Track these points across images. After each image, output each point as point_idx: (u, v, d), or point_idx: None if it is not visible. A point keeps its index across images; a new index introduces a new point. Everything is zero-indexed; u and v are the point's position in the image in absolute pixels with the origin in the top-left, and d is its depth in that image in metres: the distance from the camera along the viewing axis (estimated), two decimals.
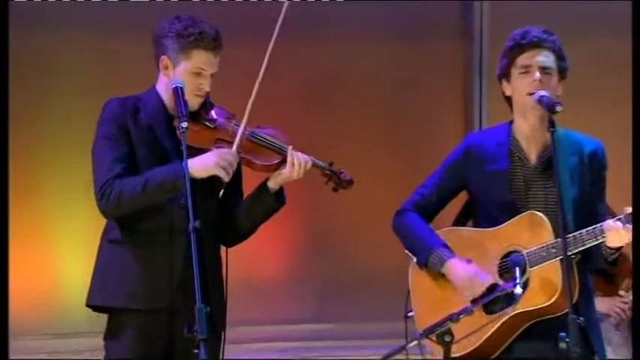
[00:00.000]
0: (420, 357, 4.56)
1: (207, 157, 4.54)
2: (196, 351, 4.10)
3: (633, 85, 5.18)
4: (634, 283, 5.35)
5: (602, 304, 5.77)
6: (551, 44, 4.67)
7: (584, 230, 4.50)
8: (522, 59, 4.65)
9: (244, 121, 4.61)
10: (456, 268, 4.68)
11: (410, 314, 4.78)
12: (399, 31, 6.52)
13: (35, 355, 6.03)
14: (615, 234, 4.47)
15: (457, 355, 4.48)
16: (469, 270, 4.66)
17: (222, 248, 4.79)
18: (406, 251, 4.83)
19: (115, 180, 4.56)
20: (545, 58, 4.65)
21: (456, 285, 4.71)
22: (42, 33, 6.02)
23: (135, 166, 4.65)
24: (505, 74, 4.72)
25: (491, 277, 4.65)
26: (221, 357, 4.73)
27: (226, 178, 4.53)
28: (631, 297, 5.78)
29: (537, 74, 4.60)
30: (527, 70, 4.62)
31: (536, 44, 4.66)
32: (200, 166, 4.50)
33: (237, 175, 4.73)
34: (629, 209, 4.55)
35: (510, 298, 4.49)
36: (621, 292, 5.76)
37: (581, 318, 4.31)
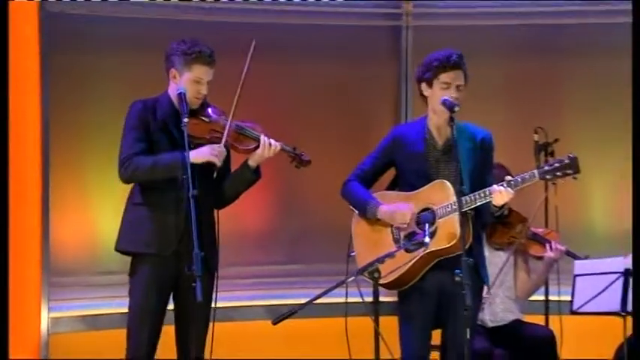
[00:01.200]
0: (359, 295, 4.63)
1: (203, 149, 4.65)
2: (194, 284, 4.27)
3: (633, 85, 5.15)
4: (634, 283, 4.96)
5: (538, 265, 5.82)
6: (463, 67, 4.76)
7: (476, 193, 4.65)
8: (444, 77, 4.73)
9: (230, 116, 4.71)
10: (384, 208, 4.80)
11: (352, 254, 4.87)
12: (348, 51, 6.53)
13: (75, 288, 6.05)
14: (498, 195, 4.62)
15: (385, 282, 4.66)
16: (392, 205, 4.80)
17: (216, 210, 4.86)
18: (351, 207, 4.93)
19: (134, 157, 4.67)
20: (460, 78, 4.76)
21: (386, 219, 4.81)
22: (82, 49, 5.95)
23: (150, 149, 4.74)
24: (427, 82, 4.79)
25: (407, 208, 4.78)
26: (214, 290, 4.75)
27: (218, 164, 4.64)
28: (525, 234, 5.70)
29: (454, 93, 4.72)
30: (447, 86, 4.72)
31: (456, 67, 4.75)
32: (197, 155, 4.61)
33: (226, 158, 4.80)
34: (509, 177, 4.73)
35: (422, 243, 4.61)
36: (516, 235, 5.63)
37: (471, 259, 4.48)
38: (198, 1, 6.32)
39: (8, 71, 4.63)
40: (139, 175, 4.72)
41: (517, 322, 5.72)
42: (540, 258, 5.68)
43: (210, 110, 4.80)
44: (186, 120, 4.60)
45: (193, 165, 4.57)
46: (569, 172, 4.72)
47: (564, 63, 6.70)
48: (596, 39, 6.64)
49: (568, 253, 5.68)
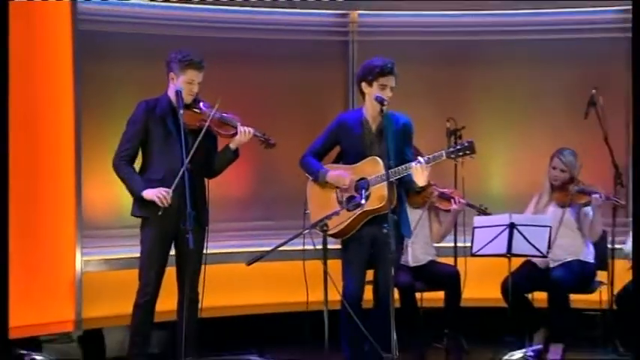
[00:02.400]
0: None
1: (151, 191, 4.62)
2: (188, 236, 4.40)
3: (633, 85, 4.77)
4: (634, 282, 4.64)
5: (447, 217, 5.78)
6: (395, 72, 4.75)
7: (399, 167, 4.68)
8: (382, 80, 4.71)
9: (215, 109, 4.68)
10: (332, 174, 4.82)
11: (307, 212, 4.88)
12: (308, 60, 6.53)
13: (101, 238, 6.04)
14: (414, 170, 4.65)
15: (331, 233, 4.66)
16: (337, 172, 4.82)
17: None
18: (307, 175, 4.94)
19: (121, 160, 4.74)
20: (393, 81, 4.74)
21: (332, 182, 4.81)
22: (108, 61, 6.03)
23: (145, 144, 4.75)
24: (368, 82, 4.76)
25: (348, 175, 4.78)
26: (205, 239, 4.76)
27: (160, 205, 4.56)
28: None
29: (388, 92, 4.72)
30: (384, 87, 4.71)
31: (391, 72, 4.73)
32: (146, 193, 4.63)
33: (213, 140, 4.84)
34: (420, 157, 4.72)
35: (359, 204, 4.68)
36: (427, 195, 5.62)
37: (395, 216, 4.60)
38: (194, 21, 6.29)
39: (8, 71, 4.44)
40: (117, 174, 4.81)
41: (432, 262, 5.77)
42: (448, 210, 5.65)
43: (201, 104, 4.76)
44: (182, 112, 4.66)
45: (187, 148, 4.57)
46: (467, 152, 4.76)
47: (471, 70, 6.69)
48: (498, 51, 6.63)
49: (469, 205, 5.66)
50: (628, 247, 5.52)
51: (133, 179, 4.74)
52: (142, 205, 4.76)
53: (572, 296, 5.57)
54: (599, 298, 5.68)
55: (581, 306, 5.74)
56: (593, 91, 5.66)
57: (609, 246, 5.74)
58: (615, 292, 5.57)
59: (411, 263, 5.75)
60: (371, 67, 4.80)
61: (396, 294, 5.23)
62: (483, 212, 5.60)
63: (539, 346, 5.25)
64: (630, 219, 5.79)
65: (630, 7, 6.09)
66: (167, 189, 4.57)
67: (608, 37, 6.55)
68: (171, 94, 4.78)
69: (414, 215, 5.57)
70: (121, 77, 5.99)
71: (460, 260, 5.74)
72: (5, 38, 4.36)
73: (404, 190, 4.90)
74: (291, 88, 6.48)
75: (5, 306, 4.12)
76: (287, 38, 6.47)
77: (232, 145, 4.83)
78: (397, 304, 5.19)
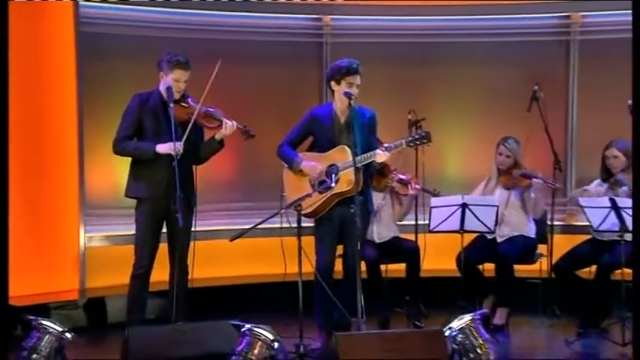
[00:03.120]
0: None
1: (167, 145, 4.58)
2: (177, 215, 4.43)
3: (633, 85, 4.23)
4: (634, 281, 4.20)
5: (406, 199, 5.70)
6: (360, 71, 4.74)
7: (364, 155, 4.67)
8: (349, 79, 4.72)
9: (200, 103, 4.64)
10: (305, 164, 4.81)
11: (283, 195, 4.88)
12: (286, 60, 6.45)
13: (102, 217, 5.95)
14: (379, 155, 4.69)
15: (305, 213, 4.67)
16: (310, 163, 4.81)
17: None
18: (282, 162, 4.93)
19: (122, 140, 4.71)
20: (358, 80, 4.74)
21: (305, 171, 4.81)
22: (107, 59, 5.95)
23: (139, 129, 4.71)
24: (336, 81, 4.77)
25: (319, 165, 4.77)
26: (194, 218, 4.76)
27: (175, 155, 4.49)
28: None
29: (355, 90, 4.74)
30: (351, 85, 4.71)
31: (356, 72, 4.73)
32: (161, 148, 4.61)
33: (200, 131, 4.82)
34: (383, 145, 4.75)
35: (329, 187, 4.74)
36: (388, 181, 5.55)
37: (362, 197, 4.64)
38: (184, 24, 6.21)
39: (8, 70, 4.24)
40: (123, 153, 4.77)
41: (395, 238, 5.75)
42: (406, 194, 5.64)
43: (189, 99, 4.72)
44: (172, 105, 4.64)
45: (177, 138, 4.55)
46: (424, 141, 4.81)
47: (431, 68, 6.65)
48: (454, 52, 6.59)
49: (423, 189, 5.65)
50: (575, 196, 5.56)
51: (140, 145, 4.69)
52: (134, 187, 4.78)
53: (517, 267, 5.60)
54: (539, 268, 5.71)
55: (524, 275, 5.77)
56: (535, 87, 5.67)
57: (549, 223, 5.77)
58: (553, 262, 5.58)
59: (377, 239, 5.71)
60: (339, 68, 4.79)
61: (363, 266, 5.21)
62: (436, 195, 5.55)
63: (486, 310, 5.27)
64: (571, 195, 6.01)
65: (565, 13, 6.43)
66: (178, 141, 4.52)
67: (549, 40, 6.59)
68: (163, 89, 4.74)
69: (378, 198, 5.59)
70: (119, 74, 5.91)
71: (420, 236, 5.71)
72: (5, 38, 4.17)
73: (369, 174, 4.91)
74: (271, 84, 6.43)
75: (5, 274, 4.07)
76: (267, 40, 6.42)
77: (217, 137, 4.80)
78: (364, 276, 5.16)
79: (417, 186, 5.58)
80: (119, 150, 4.78)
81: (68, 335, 4.28)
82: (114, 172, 5.58)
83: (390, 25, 6.57)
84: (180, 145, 4.55)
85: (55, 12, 5.80)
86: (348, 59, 4.82)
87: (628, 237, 4.92)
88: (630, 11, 5.94)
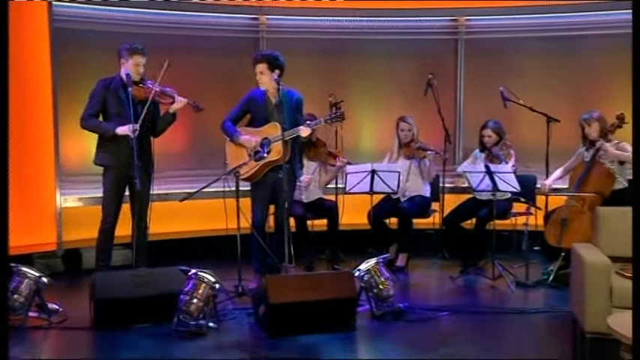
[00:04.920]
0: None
1: (125, 127, 4.45)
2: (136, 181, 4.38)
3: (633, 85, 3.41)
4: (634, 281, 2.99)
5: (331, 169, 5.60)
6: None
7: (291, 129, 4.59)
8: (259, 68, 4.64)
9: (157, 84, 4.54)
10: (243, 137, 4.71)
11: (226, 162, 4.79)
12: (231, 51, 6.20)
13: (75, 182, 5.75)
14: (303, 130, 4.62)
15: (243, 178, 4.67)
16: (247, 136, 4.72)
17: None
18: (225, 136, 4.81)
19: (88, 118, 4.59)
20: (265, 68, 4.64)
21: (243, 144, 4.72)
22: (77, 51, 5.73)
23: (103, 108, 4.59)
24: (270, 68, 4.65)
25: (254, 141, 4.68)
26: (151, 183, 4.67)
27: (132, 136, 4.38)
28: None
29: (265, 79, 4.64)
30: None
31: (260, 62, 4.68)
32: (121, 129, 4.47)
33: (157, 109, 4.70)
34: (308, 121, 4.70)
35: (263, 157, 4.69)
36: (320, 152, 5.48)
37: (288, 165, 4.60)
38: (144, 21, 6.01)
39: (8, 69, 3.70)
40: (87, 129, 4.66)
41: (319, 199, 5.68)
42: (333, 165, 5.59)
43: (147, 82, 4.60)
44: (131, 89, 4.53)
45: (137, 115, 4.45)
46: (339, 119, 4.83)
47: (348, 59, 6.55)
48: (366, 47, 6.50)
49: (348, 163, 5.49)
50: (461, 168, 5.57)
51: (102, 124, 4.58)
52: (100, 156, 4.70)
53: (415, 220, 5.67)
54: (432, 221, 5.83)
55: (421, 227, 5.86)
56: (430, 76, 5.69)
57: (440, 185, 5.91)
58: (444, 216, 5.67)
59: (305, 200, 5.66)
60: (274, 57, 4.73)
61: (293, 222, 5.23)
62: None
63: (389, 255, 5.34)
64: (456, 166, 6.04)
65: (453, 17, 6.46)
66: (135, 124, 4.40)
67: (441, 38, 6.59)
68: (123, 74, 4.61)
69: (310, 166, 5.60)
70: (86, 62, 5.70)
71: (339, 197, 5.69)
72: (5, 38, 3.59)
73: (297, 145, 4.84)
74: (216, 71, 6.26)
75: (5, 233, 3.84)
76: (214, 35, 6.27)
77: (171, 110, 4.69)
78: (294, 229, 5.19)
79: (342, 159, 5.51)
80: (84, 126, 4.66)
81: (44, 280, 4.23)
82: (84, 144, 5.41)
83: (315, 24, 6.49)
84: (136, 127, 4.42)
85: (33, 11, 5.65)
86: (270, 51, 4.86)
87: (499, 195, 5.14)
88: (505, 16, 6.23)
